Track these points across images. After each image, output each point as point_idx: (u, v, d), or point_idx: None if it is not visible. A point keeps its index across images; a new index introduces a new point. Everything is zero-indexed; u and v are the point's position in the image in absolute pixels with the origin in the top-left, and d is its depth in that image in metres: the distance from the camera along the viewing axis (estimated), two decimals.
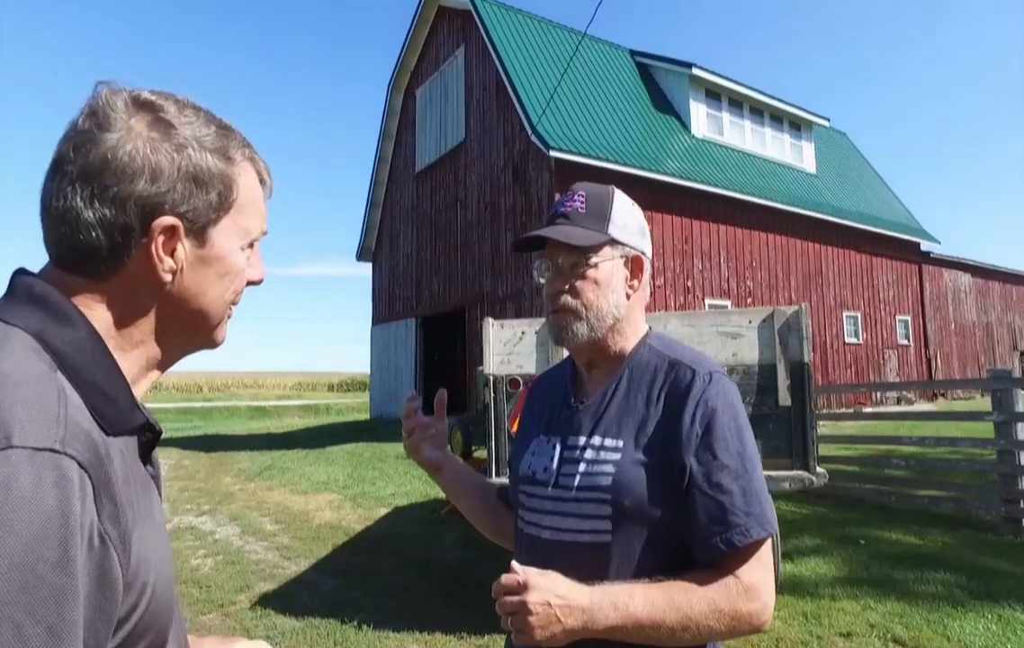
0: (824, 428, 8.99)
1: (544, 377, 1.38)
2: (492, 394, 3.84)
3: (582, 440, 1.11)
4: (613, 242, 1.13)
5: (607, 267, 1.13)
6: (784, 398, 3.58)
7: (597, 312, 1.12)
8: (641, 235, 1.18)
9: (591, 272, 1.11)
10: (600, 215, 1.14)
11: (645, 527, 1.03)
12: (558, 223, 1.14)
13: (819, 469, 3.65)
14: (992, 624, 3.84)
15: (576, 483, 1.08)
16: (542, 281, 1.17)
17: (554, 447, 1.15)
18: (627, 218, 1.16)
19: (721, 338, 3.70)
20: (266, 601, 4.68)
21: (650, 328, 1.22)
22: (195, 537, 6.55)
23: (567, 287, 1.12)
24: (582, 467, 1.08)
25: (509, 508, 1.28)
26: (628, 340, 1.17)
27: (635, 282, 1.17)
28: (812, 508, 6.65)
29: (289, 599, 4.72)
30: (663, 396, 1.08)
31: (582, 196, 1.16)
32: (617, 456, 1.06)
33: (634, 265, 1.16)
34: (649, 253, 1.20)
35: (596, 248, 1.12)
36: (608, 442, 1.08)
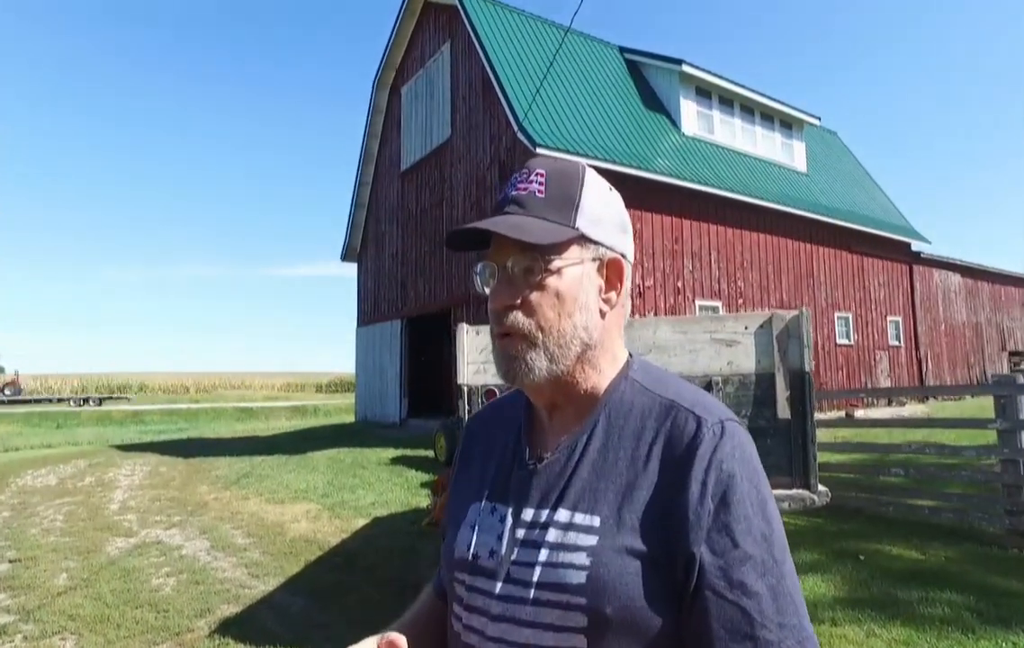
0: (819, 435, 8.74)
1: (486, 414, 1.03)
2: (466, 406, 3.53)
3: (543, 514, 0.79)
4: (583, 239, 0.82)
5: (573, 273, 0.81)
6: (783, 410, 3.29)
7: (559, 337, 0.80)
8: (621, 231, 0.87)
9: (551, 280, 0.80)
10: (565, 202, 0.82)
11: (635, 645, 0.72)
12: (507, 211, 0.83)
13: (820, 487, 3.37)
14: None
15: (535, 578, 0.76)
16: (486, 291, 0.85)
17: (502, 521, 0.82)
18: (602, 207, 0.85)
19: (715, 346, 3.41)
20: (226, 627, 4.34)
21: (631, 356, 0.90)
22: (160, 553, 6.19)
23: (518, 301, 0.81)
24: (543, 554, 0.76)
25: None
26: (603, 373, 0.85)
27: (612, 294, 0.85)
28: (808, 519, 6.38)
29: (252, 624, 4.39)
30: (657, 453, 0.77)
31: (541, 175, 0.84)
32: (592, 540, 0.74)
33: (611, 271, 0.85)
34: (631, 255, 0.88)
35: (559, 247, 0.80)
36: (579, 519, 0.76)
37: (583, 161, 0.88)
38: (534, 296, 0.80)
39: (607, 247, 0.84)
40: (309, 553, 6.05)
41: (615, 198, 0.88)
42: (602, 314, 0.84)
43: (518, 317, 0.81)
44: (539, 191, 0.83)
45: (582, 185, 0.84)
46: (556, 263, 0.80)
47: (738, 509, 0.73)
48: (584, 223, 0.82)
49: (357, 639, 0.83)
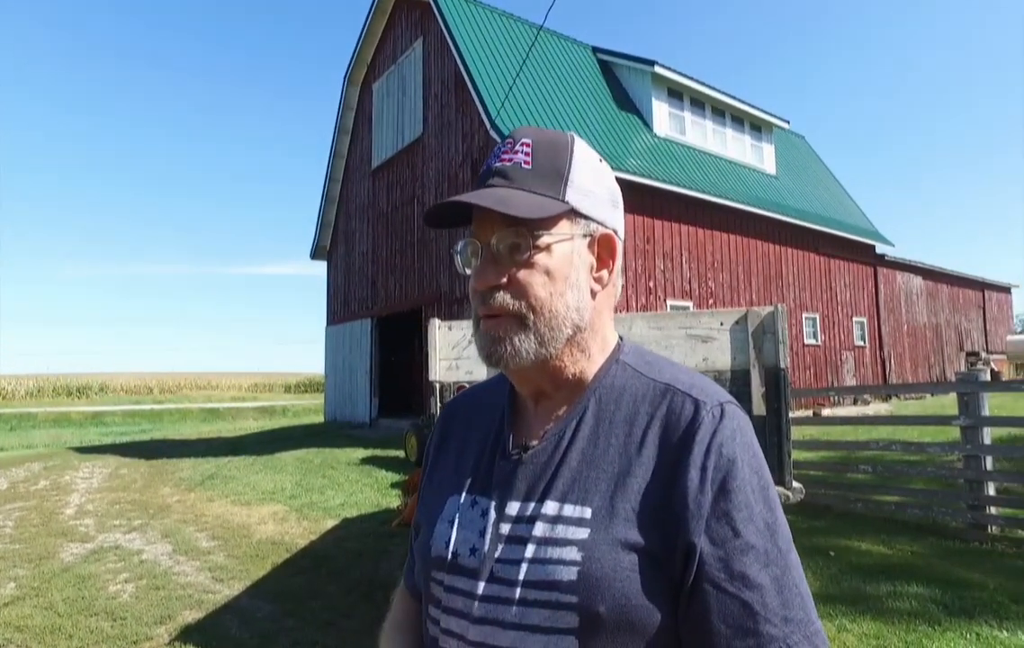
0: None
1: (464, 400, 0.96)
2: (438, 403, 3.44)
3: (530, 507, 0.73)
4: (573, 214, 0.76)
5: (563, 250, 0.75)
6: (759, 407, 3.28)
7: (551, 317, 0.74)
8: (612, 205, 0.81)
9: (540, 257, 0.74)
10: (554, 173, 0.76)
11: (631, 645, 0.66)
12: (491, 184, 0.76)
13: (795, 484, 3.38)
14: (971, 645, 3.63)
15: (522, 576, 0.69)
16: (467, 271, 0.79)
17: (484, 515, 0.76)
18: (593, 180, 0.79)
19: (691, 342, 3.39)
20: (188, 634, 4.18)
21: (621, 339, 0.84)
22: (119, 558, 5.96)
23: (504, 280, 0.74)
24: (530, 550, 0.70)
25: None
26: (592, 358, 0.79)
27: (603, 273, 0.79)
28: None
29: (215, 630, 4.24)
30: (652, 439, 0.72)
31: (527, 145, 0.77)
32: (584, 534, 0.68)
33: (602, 248, 0.79)
34: (623, 231, 0.83)
35: (547, 222, 0.74)
36: (569, 511, 0.70)
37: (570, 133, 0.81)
38: (522, 274, 0.74)
39: (598, 222, 0.79)
40: (276, 556, 5.90)
41: (605, 170, 0.82)
42: (593, 294, 0.78)
43: (505, 297, 0.74)
44: (525, 162, 0.77)
45: (571, 156, 0.78)
46: (544, 239, 0.74)
47: (739, 496, 0.68)
48: (574, 196, 0.76)
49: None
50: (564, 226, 0.76)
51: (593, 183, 0.79)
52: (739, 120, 17.05)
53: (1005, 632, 3.73)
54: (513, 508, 0.74)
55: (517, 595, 0.69)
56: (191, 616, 4.49)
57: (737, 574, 0.65)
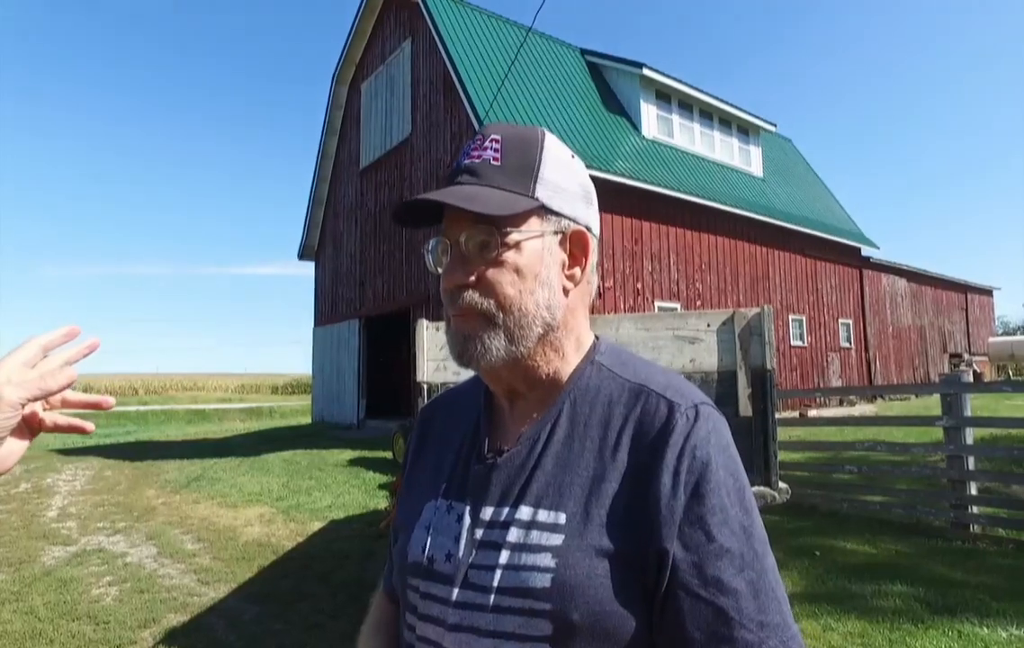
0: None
1: (442, 401, 0.95)
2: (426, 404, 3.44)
3: (504, 512, 0.72)
4: (543, 210, 0.75)
5: (534, 247, 0.74)
6: (745, 408, 3.30)
7: (519, 316, 0.73)
8: (585, 202, 0.80)
9: (510, 255, 0.73)
10: (523, 169, 0.75)
11: None
12: (459, 182, 0.75)
13: (781, 484, 3.39)
14: (954, 642, 3.67)
15: (496, 582, 0.68)
16: (439, 270, 0.77)
17: (459, 520, 0.75)
18: (564, 175, 0.78)
19: (678, 343, 3.40)
20: (173, 637, 4.14)
21: (597, 338, 0.83)
22: (102, 561, 5.89)
23: (473, 279, 0.73)
24: (504, 556, 0.69)
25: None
26: (566, 358, 0.78)
27: (576, 270, 0.78)
28: (765, 517, 6.46)
29: (201, 634, 4.20)
30: (626, 442, 0.71)
31: (496, 141, 0.76)
32: (558, 540, 0.67)
33: (574, 245, 0.78)
34: (597, 228, 0.82)
35: (516, 219, 0.73)
36: (543, 516, 0.69)
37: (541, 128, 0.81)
38: (491, 273, 0.73)
39: (570, 219, 0.78)
40: (263, 558, 5.86)
41: (578, 165, 0.81)
42: (565, 292, 0.77)
43: (474, 296, 0.73)
44: (494, 158, 0.75)
45: (541, 151, 0.77)
46: (514, 236, 0.73)
47: (713, 499, 0.67)
48: (544, 193, 0.75)
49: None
50: (534, 223, 0.75)
51: (565, 179, 0.78)
52: (727, 123, 17.16)
53: (986, 629, 3.78)
54: (487, 513, 0.73)
55: (491, 602, 0.68)
56: (176, 619, 4.45)
57: (711, 579, 0.64)
